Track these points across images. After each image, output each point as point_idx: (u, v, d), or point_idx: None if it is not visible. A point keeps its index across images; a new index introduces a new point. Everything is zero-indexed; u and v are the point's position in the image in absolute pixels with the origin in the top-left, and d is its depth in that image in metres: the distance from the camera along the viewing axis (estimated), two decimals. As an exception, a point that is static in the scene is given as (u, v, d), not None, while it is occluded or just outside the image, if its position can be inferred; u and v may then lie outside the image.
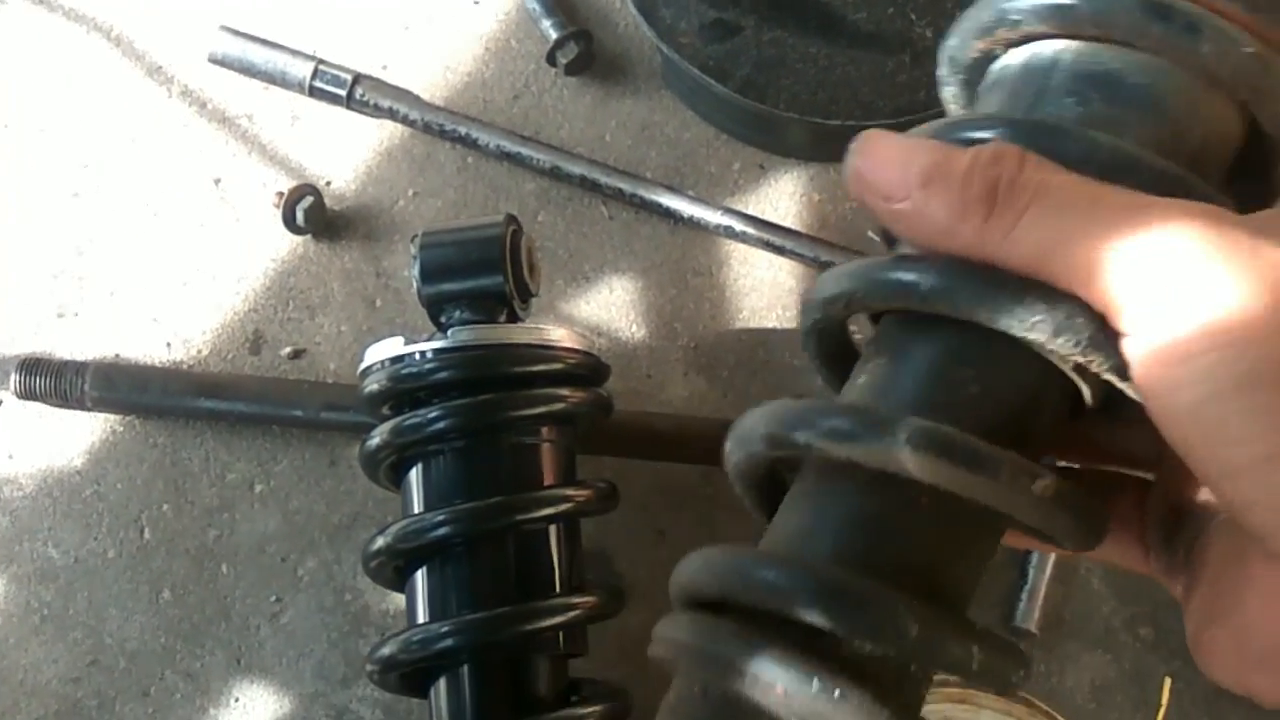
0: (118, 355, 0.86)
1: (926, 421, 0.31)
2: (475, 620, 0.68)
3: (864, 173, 0.33)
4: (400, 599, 0.75)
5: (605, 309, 0.88)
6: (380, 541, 0.70)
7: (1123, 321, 0.30)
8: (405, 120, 0.91)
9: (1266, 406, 0.29)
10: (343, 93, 0.91)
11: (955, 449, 0.31)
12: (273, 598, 0.81)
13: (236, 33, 0.92)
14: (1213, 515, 0.35)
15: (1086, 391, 0.34)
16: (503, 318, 0.73)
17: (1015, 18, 0.36)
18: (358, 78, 0.91)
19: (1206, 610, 0.34)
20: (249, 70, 0.92)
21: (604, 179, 0.90)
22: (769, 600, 0.32)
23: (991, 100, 0.37)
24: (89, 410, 0.83)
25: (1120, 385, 0.32)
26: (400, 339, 0.71)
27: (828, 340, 0.37)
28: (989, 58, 0.38)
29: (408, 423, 0.70)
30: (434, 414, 0.70)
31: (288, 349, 0.86)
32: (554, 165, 0.90)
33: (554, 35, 0.93)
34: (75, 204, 0.89)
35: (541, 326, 0.73)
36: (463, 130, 0.91)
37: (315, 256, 0.88)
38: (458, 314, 0.72)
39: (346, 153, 0.91)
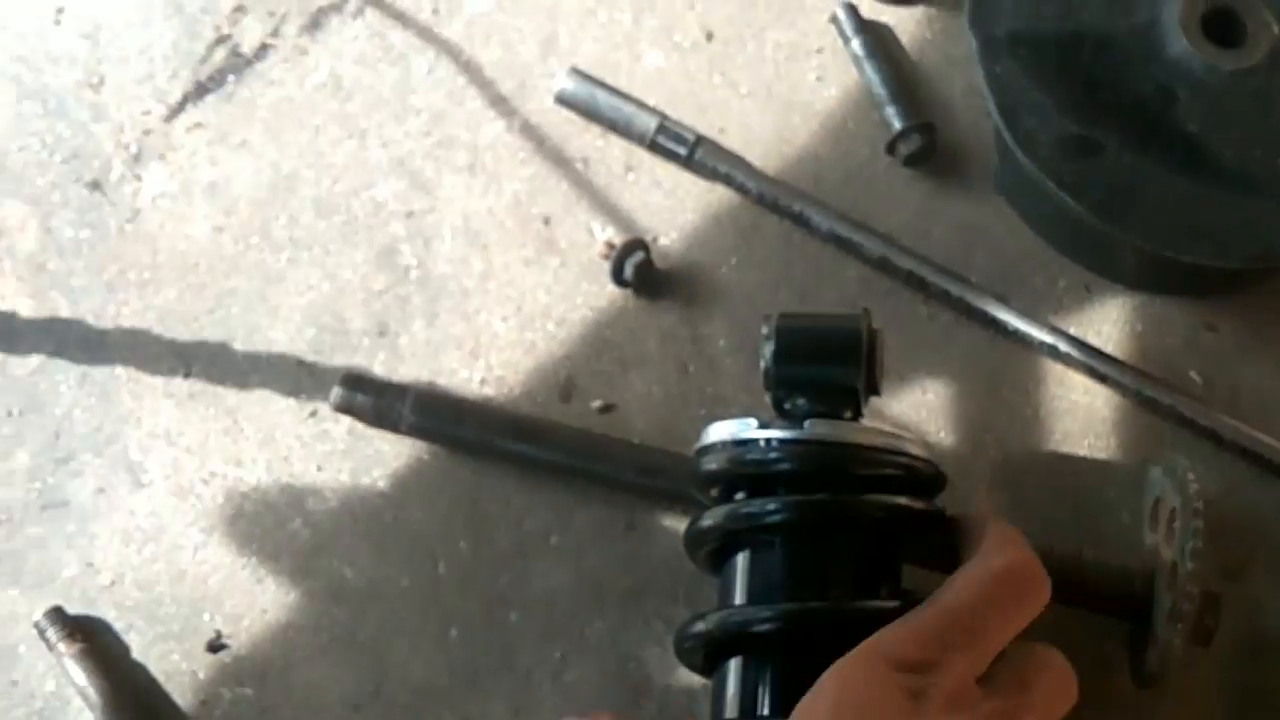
0: (432, 383, 0.85)
1: None
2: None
3: None
4: (687, 677, 0.73)
5: (915, 409, 0.86)
6: (700, 626, 0.68)
7: None
8: (740, 188, 0.90)
9: None
10: (684, 151, 0.90)
11: None
12: (557, 654, 0.79)
13: (586, 76, 0.92)
14: None
15: None
16: (848, 414, 0.71)
17: None
18: (699, 139, 0.90)
19: None
20: (593, 115, 0.91)
21: (931, 278, 0.88)
22: None
23: None
24: (401, 434, 0.82)
25: None
26: (753, 421, 0.69)
27: None
28: None
29: (745, 510, 0.69)
30: (774, 505, 0.68)
31: (598, 402, 0.85)
32: (883, 256, 0.88)
33: (897, 125, 0.91)
34: (409, 223, 0.89)
35: (893, 430, 0.71)
36: (796, 207, 0.89)
37: (635, 312, 0.87)
38: (802, 402, 0.71)
39: (676, 212, 0.90)
